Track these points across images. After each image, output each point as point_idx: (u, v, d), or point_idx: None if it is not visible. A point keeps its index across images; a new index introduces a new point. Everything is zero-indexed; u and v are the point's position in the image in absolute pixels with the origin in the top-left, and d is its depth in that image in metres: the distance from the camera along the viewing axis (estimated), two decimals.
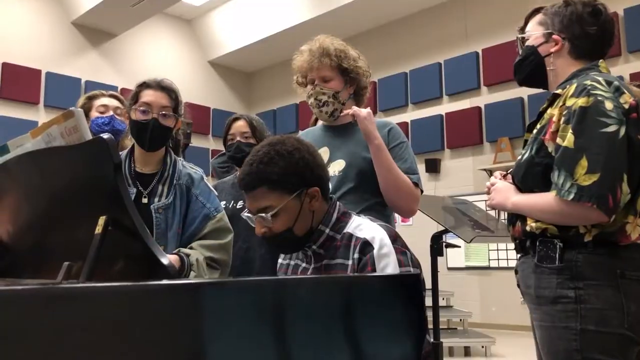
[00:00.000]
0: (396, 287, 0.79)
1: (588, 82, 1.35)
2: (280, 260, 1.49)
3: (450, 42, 7.90)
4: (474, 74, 7.64)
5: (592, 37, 1.47)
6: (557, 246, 1.34)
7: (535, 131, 1.46)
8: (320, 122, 2.03)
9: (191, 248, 1.68)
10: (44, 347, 0.52)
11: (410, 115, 8.21)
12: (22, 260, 1.05)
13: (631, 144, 1.30)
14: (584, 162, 1.28)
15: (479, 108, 7.55)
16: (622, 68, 6.30)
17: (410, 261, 1.27)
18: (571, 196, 1.28)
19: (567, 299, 1.31)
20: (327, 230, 1.33)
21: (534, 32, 1.54)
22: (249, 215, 1.32)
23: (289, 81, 1.96)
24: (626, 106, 1.32)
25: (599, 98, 1.31)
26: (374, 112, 1.82)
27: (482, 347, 5.48)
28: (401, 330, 0.77)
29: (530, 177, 1.42)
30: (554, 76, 1.51)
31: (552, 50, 1.50)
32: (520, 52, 1.58)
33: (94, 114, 2.18)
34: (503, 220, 4.09)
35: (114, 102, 2.24)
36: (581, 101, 1.32)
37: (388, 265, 1.22)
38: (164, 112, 1.71)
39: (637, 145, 1.31)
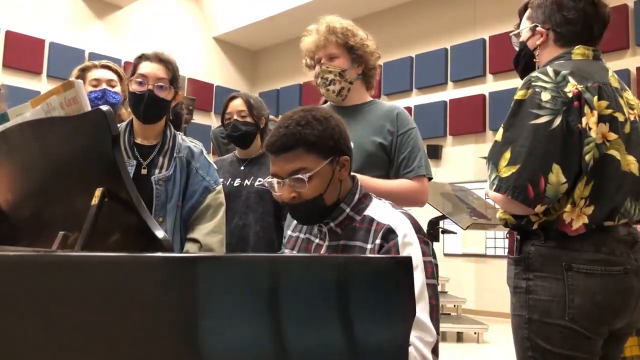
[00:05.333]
0: (389, 270, 0.80)
1: (534, 74, 1.38)
2: (289, 232, 1.46)
3: (457, 28, 7.83)
4: (480, 61, 7.59)
5: (573, 22, 1.46)
6: (515, 238, 1.40)
7: None
8: (328, 103, 2.00)
9: (194, 238, 1.70)
10: (34, 315, 0.52)
11: (414, 100, 8.18)
12: (20, 229, 1.06)
13: (570, 133, 1.31)
14: (507, 155, 1.33)
15: (483, 96, 7.52)
16: (628, 61, 6.23)
17: (431, 252, 1.26)
18: (493, 187, 1.34)
19: (521, 289, 1.38)
20: (348, 210, 1.30)
21: (524, 27, 1.56)
22: (273, 180, 1.27)
23: (294, 61, 1.94)
24: (570, 95, 1.32)
25: (537, 90, 1.34)
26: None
27: (475, 333, 5.54)
28: (392, 311, 0.78)
29: None
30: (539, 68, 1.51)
31: (538, 42, 1.51)
32: (516, 48, 1.61)
33: (87, 88, 2.16)
34: None
35: (106, 75, 2.19)
36: (519, 94, 1.37)
37: (412, 254, 1.19)
38: (160, 84, 1.71)
39: (576, 133, 1.31)
